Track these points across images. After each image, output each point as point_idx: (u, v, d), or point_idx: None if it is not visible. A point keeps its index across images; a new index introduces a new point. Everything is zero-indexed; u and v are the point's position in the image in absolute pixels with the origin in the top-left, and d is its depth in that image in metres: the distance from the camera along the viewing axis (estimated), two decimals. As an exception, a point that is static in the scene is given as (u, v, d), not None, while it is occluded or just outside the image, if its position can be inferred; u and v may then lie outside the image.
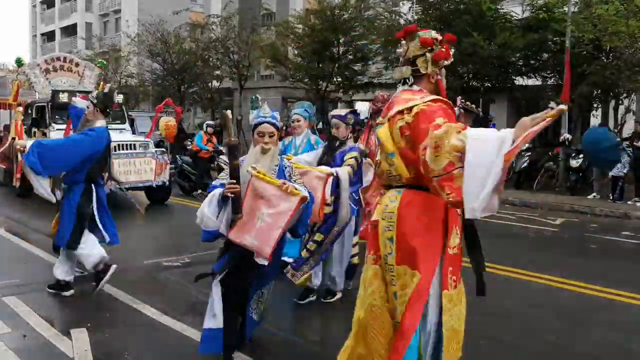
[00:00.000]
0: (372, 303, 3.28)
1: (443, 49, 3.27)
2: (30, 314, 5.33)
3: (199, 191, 13.86)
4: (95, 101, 5.99)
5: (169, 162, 12.50)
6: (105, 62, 18.08)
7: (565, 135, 15.21)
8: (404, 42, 3.36)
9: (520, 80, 18.35)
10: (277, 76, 29.26)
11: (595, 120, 18.16)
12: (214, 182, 4.10)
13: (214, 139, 14.89)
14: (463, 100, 6.01)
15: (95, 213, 5.96)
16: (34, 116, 12.86)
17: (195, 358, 4.43)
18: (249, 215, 3.88)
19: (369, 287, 3.32)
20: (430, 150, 2.74)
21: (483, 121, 14.69)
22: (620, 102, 16.36)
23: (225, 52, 29.76)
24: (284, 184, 3.88)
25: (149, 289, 6.37)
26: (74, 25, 52.19)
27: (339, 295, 5.86)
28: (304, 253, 5.62)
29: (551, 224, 10.91)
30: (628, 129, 16.11)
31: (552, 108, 2.64)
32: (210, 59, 30.91)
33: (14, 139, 10.17)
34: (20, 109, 11.64)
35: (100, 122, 5.97)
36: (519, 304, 6.03)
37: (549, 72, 18.00)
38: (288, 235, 4.17)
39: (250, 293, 4.32)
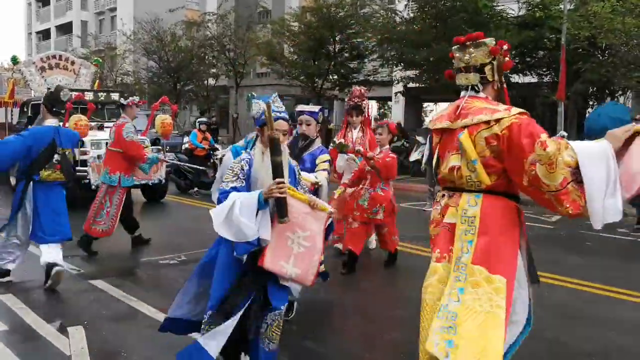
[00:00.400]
0: (423, 297, 3.37)
1: (507, 58, 3.42)
2: (27, 311, 5.33)
3: (195, 189, 13.85)
4: (44, 101, 6.27)
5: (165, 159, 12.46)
6: (101, 60, 18.04)
7: (561, 133, 15.20)
8: (456, 47, 3.45)
9: (515, 78, 18.40)
10: (273, 74, 29.24)
11: (590, 117, 18.22)
12: (222, 186, 3.48)
13: (209, 136, 14.85)
14: None
15: (28, 209, 6.08)
16: (29, 114, 12.83)
17: (192, 355, 4.45)
18: (278, 238, 3.44)
19: (425, 281, 3.40)
20: (543, 167, 2.92)
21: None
22: (615, 99, 16.39)
23: (221, 49, 29.80)
24: (312, 200, 3.54)
25: (145, 286, 6.39)
26: (70, 24, 52.03)
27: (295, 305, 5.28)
28: None
29: (547, 221, 10.94)
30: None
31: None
32: (206, 56, 30.95)
33: None
34: None
35: (49, 121, 6.20)
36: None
37: (544, 69, 18.03)
38: None
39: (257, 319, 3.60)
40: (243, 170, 3.51)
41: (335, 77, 24.38)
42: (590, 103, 17.61)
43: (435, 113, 3.81)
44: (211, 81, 32.44)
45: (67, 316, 5.30)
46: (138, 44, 31.79)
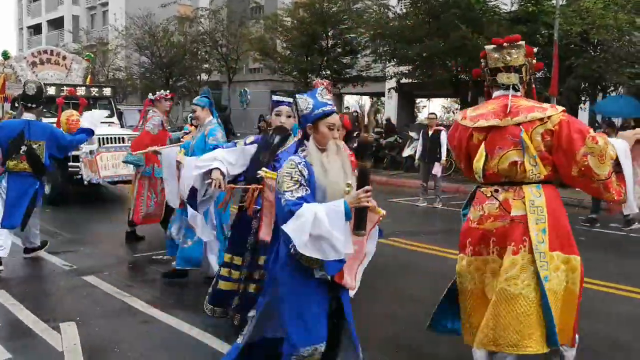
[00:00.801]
0: (504, 288, 3.51)
1: (535, 60, 3.79)
2: (20, 307, 5.31)
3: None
4: (20, 100, 6.76)
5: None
6: (92, 55, 17.94)
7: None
8: (492, 47, 3.72)
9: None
10: (265, 69, 29.19)
11: (583, 113, 18.25)
12: (290, 198, 2.93)
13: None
14: None
15: (3, 195, 6.49)
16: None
17: (184, 349, 4.43)
18: None
19: (503, 273, 3.54)
20: (594, 158, 3.41)
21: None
22: (608, 94, 16.44)
23: (214, 45, 29.69)
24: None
25: (138, 282, 6.37)
26: (61, 18, 51.68)
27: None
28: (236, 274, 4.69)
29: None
30: (616, 122, 16.20)
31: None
32: (199, 52, 30.82)
33: None
34: None
35: (25, 115, 6.58)
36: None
37: (537, 65, 17.99)
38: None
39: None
40: (303, 175, 3.01)
41: (328, 72, 24.34)
42: (583, 99, 17.64)
43: (460, 112, 4.00)
44: (204, 77, 32.32)
45: (60, 312, 5.28)
46: (130, 39, 31.58)
